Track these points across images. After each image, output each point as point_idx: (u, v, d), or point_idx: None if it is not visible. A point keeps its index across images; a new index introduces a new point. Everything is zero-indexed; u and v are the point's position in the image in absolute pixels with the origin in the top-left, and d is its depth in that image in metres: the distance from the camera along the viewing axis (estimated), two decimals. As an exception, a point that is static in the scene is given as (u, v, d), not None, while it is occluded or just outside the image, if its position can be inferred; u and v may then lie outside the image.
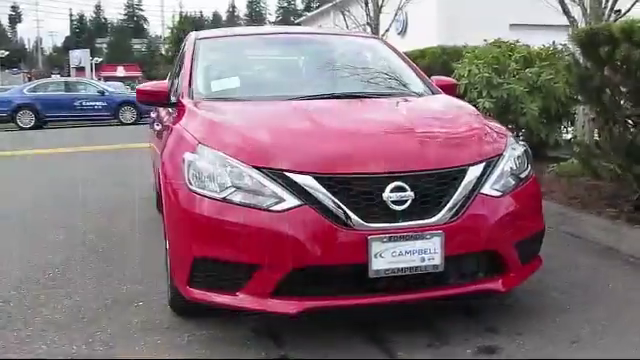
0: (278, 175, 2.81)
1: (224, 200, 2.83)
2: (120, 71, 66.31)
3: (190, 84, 3.84)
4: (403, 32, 31.25)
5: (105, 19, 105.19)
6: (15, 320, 3.43)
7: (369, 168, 2.84)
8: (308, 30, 5.08)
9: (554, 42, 7.09)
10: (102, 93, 20.69)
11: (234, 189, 2.83)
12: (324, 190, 2.76)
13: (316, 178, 2.77)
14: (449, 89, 4.25)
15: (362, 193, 2.79)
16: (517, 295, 3.46)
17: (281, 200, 2.77)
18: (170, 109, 3.91)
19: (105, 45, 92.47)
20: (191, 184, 2.93)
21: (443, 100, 3.90)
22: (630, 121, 4.79)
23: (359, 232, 2.74)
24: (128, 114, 20.49)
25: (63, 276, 4.19)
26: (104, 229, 5.50)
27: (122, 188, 7.68)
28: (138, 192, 7.27)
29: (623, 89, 4.67)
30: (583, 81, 4.93)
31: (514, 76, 6.44)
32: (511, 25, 20.07)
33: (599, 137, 6.29)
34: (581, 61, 5.08)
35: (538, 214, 3.27)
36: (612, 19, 5.94)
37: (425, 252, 2.79)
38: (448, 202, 2.86)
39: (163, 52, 43.48)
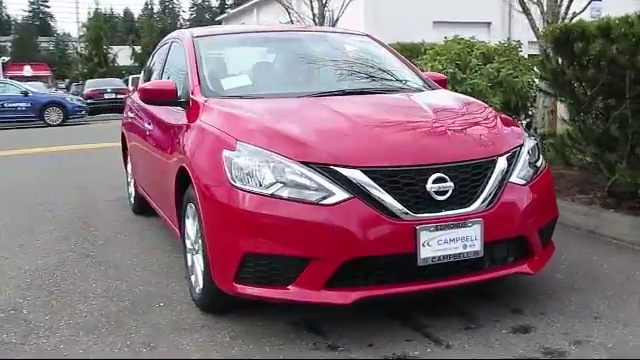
0: (325, 169, 2.88)
1: (272, 196, 2.87)
2: (27, 70, 63.24)
3: (199, 82, 3.82)
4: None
5: (8, 16, 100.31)
6: (37, 327, 3.33)
7: (412, 160, 2.95)
8: (299, 28, 5.12)
9: (509, 39, 7.43)
10: (25, 94, 19.81)
11: (281, 185, 2.88)
12: (373, 183, 2.85)
13: (364, 172, 2.86)
14: (441, 84, 4.42)
15: (407, 185, 2.90)
16: (527, 278, 3.65)
17: (330, 194, 2.84)
18: (180, 107, 3.87)
19: (9, 43, 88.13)
20: (234, 181, 2.95)
21: (448, 95, 4.07)
22: (600, 113, 5.12)
23: (407, 223, 2.86)
24: (54, 115, 19.71)
25: (65, 281, 4.08)
26: (84, 232, 5.36)
27: (82, 190, 7.46)
28: (101, 194, 7.10)
29: (595, 82, 4.98)
30: (556, 75, 5.23)
31: (476, 72, 6.72)
32: (434, 22, 20.69)
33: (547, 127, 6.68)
34: (551, 56, 5.38)
35: (554, 202, 3.48)
36: (568, 18, 6.29)
37: (467, 239, 2.94)
38: (483, 191, 3.02)
39: (79, 50, 41.86)
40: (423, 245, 2.86)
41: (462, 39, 7.25)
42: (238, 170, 2.96)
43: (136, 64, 38.55)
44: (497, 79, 6.68)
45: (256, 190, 2.90)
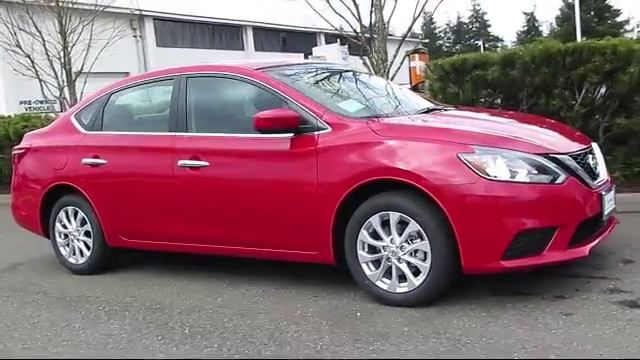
0: (549, 158, 3.71)
1: (523, 183, 3.59)
2: None
3: (325, 108, 4.09)
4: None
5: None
6: None
7: (579, 146, 4.03)
8: (321, 61, 5.41)
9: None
10: None
11: (526, 172, 3.61)
12: (576, 164, 3.80)
13: (570, 156, 3.81)
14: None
15: (584, 163, 3.93)
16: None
17: (558, 175, 3.68)
18: (289, 135, 4.04)
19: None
20: (489, 176, 3.54)
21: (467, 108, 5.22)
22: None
23: (596, 190, 3.88)
24: None
25: (216, 330, 3.81)
26: (95, 300, 4.64)
27: None
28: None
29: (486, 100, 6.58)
30: (454, 97, 6.68)
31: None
32: (75, 73, 20.32)
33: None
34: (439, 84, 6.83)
35: None
36: (402, 56, 7.85)
37: (612, 199, 4.10)
38: (601, 165, 4.22)
39: None
40: (604, 205, 3.92)
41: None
42: (488, 168, 3.56)
43: None
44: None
45: (514, 180, 3.57)
